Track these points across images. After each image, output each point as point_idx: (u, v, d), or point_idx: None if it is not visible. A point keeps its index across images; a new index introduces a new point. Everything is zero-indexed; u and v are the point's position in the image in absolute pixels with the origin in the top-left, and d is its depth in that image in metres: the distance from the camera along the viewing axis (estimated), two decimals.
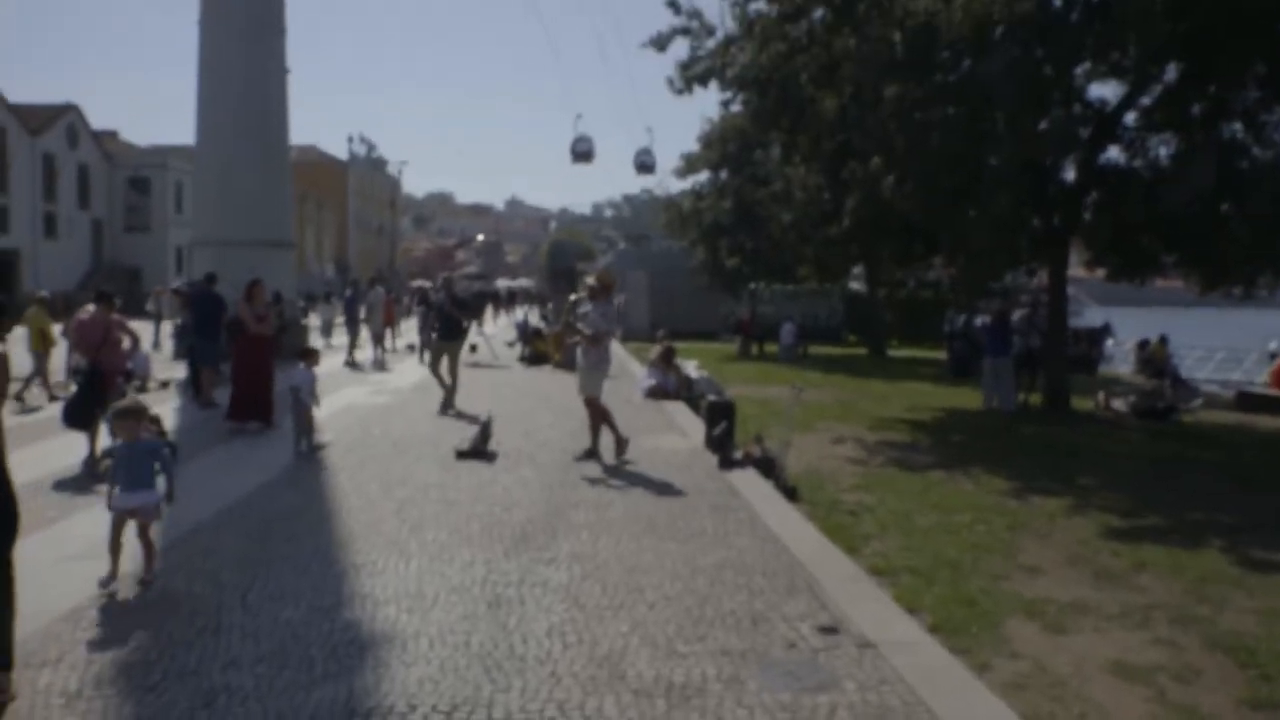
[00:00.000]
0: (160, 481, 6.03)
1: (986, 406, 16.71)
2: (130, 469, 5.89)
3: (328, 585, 5.91)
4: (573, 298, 13.79)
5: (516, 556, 6.55)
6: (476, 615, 5.39)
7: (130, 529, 5.92)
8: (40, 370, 14.82)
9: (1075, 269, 18.62)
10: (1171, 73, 14.33)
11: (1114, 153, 15.66)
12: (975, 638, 5.56)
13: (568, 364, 20.32)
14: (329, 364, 19.04)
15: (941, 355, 29.02)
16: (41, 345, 14.80)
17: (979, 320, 27.71)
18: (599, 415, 10.31)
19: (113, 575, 5.78)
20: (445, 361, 14.20)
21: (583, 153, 31.31)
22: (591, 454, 10.21)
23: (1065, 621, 5.90)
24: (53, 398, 14.29)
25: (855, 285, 40.41)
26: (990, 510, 8.90)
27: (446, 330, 14.45)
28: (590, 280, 10.85)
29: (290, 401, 10.63)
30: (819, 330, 39.21)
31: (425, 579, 6.04)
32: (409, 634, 5.09)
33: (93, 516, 7.62)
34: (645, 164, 42.06)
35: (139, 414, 6.19)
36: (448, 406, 13.76)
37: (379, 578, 6.07)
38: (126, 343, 10.24)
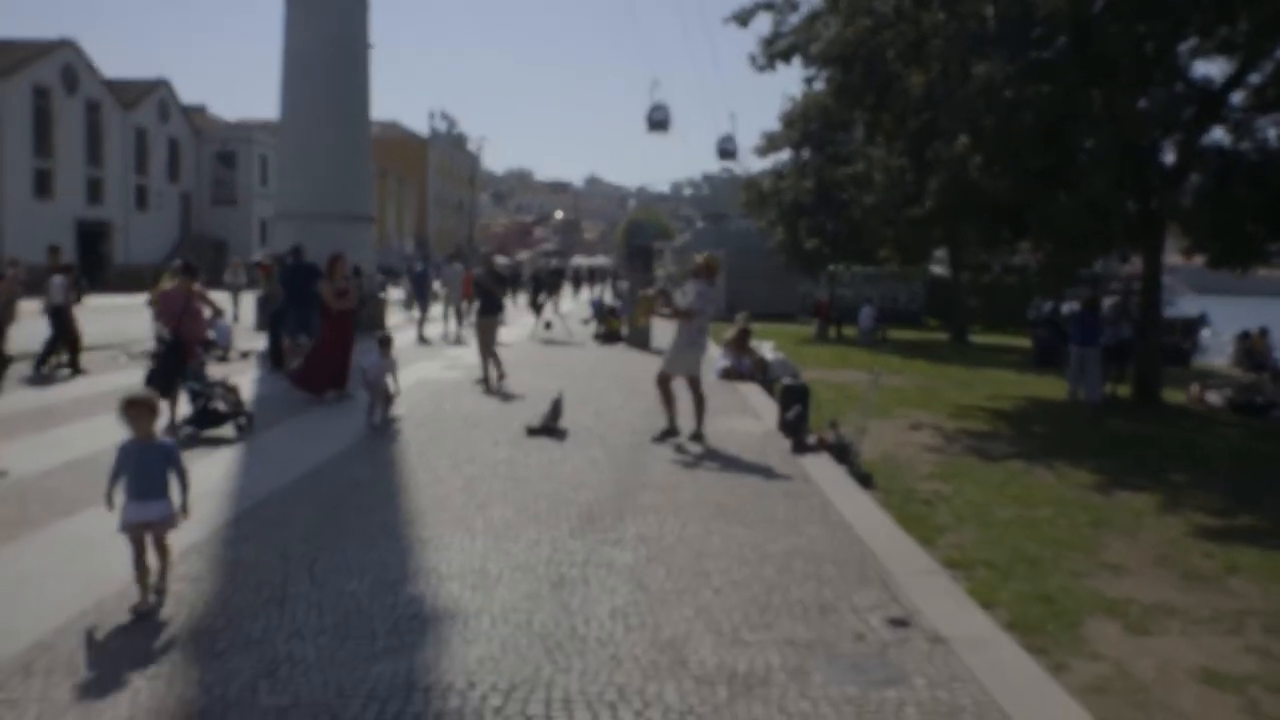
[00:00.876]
0: (175, 489, 5.19)
1: (1072, 397, 16.23)
2: (141, 474, 5.06)
3: (393, 559, 5.96)
4: (660, 274, 13.74)
5: (582, 536, 6.53)
6: (540, 595, 5.38)
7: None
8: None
9: (1172, 255, 17.93)
10: None
11: (1218, 134, 15.02)
12: (1053, 637, 5.38)
13: (638, 341, 20.39)
14: (402, 338, 19.36)
15: (1026, 343, 28.36)
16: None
17: (1066, 307, 27.03)
18: (665, 392, 10.20)
19: (144, 601, 5.05)
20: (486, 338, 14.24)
21: (659, 121, 31.01)
22: (669, 434, 10.12)
23: (1150, 624, 5.68)
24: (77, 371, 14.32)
25: (937, 269, 39.67)
26: (1073, 505, 8.63)
27: (486, 306, 14.50)
28: (698, 258, 10.75)
29: (364, 376, 10.78)
30: (899, 314, 38.61)
31: (490, 556, 6.05)
32: (471, 611, 5.10)
33: None
34: (727, 150, 42.03)
35: (151, 407, 5.21)
36: (488, 383, 13.77)
37: (444, 553, 6.10)
38: (206, 313, 10.47)
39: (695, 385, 10.21)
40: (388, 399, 10.76)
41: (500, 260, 52.74)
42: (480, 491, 7.74)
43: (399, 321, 25.00)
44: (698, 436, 10.08)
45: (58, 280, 14.66)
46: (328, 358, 12.24)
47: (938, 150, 15.08)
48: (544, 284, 24.63)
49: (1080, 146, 13.68)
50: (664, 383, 10.28)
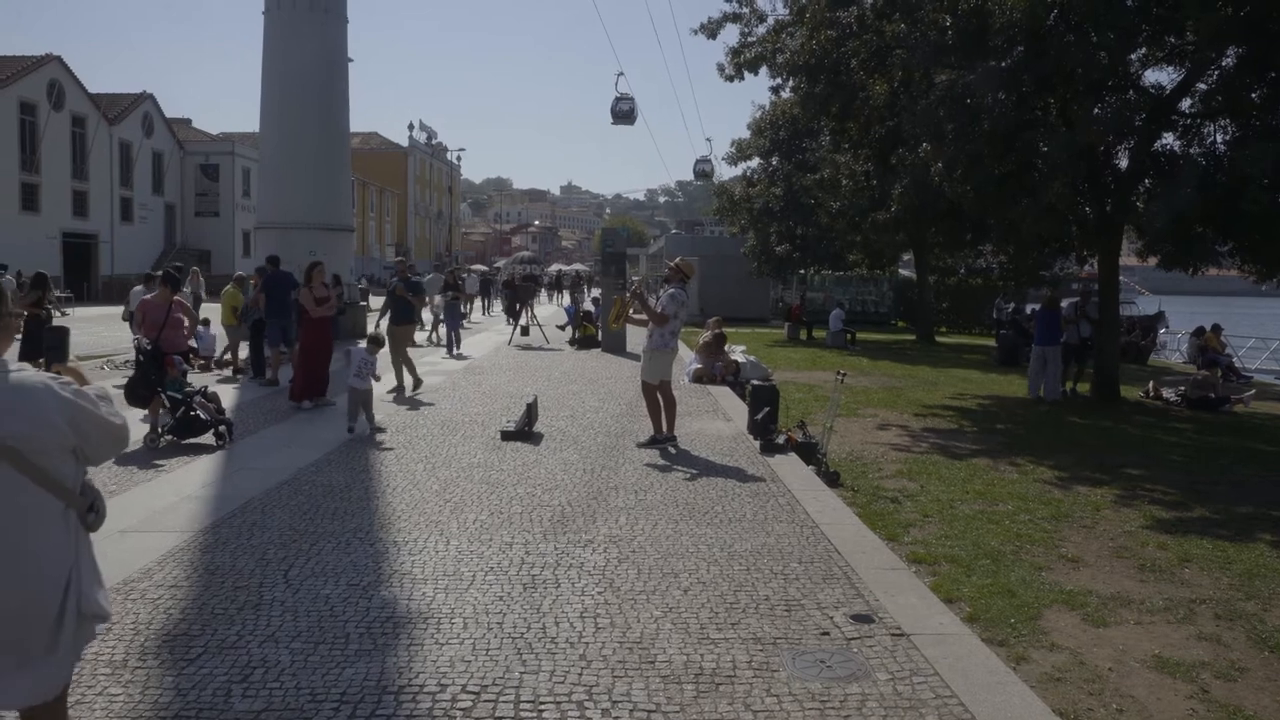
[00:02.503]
0: None
1: (1033, 395, 16.33)
2: None
3: (368, 563, 5.90)
4: (634, 279, 13.58)
5: (555, 538, 6.49)
6: (511, 596, 5.34)
7: None
8: (233, 345, 16.35)
9: (1128, 257, 18.07)
10: (1230, 58, 13.80)
11: (1169, 139, 15.14)
12: (1013, 629, 5.39)
13: (614, 346, 20.37)
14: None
15: (990, 343, 28.53)
16: (234, 321, 15.92)
17: (1028, 308, 27.20)
18: (651, 401, 10.17)
19: None
20: (401, 348, 13.98)
21: (624, 112, 30.17)
22: (660, 440, 10.02)
23: (1106, 614, 5.69)
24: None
25: (905, 272, 39.92)
26: (1034, 499, 8.66)
27: (400, 314, 14.20)
28: (671, 263, 10.71)
29: (347, 382, 10.72)
30: (868, 317, 38.82)
31: (463, 559, 6.01)
32: (444, 613, 5.05)
33: (150, 491, 7.76)
34: (704, 172, 42.44)
35: None
36: (402, 391, 13.49)
37: (418, 557, 6.05)
38: (187, 324, 10.35)
39: (665, 388, 10.18)
40: (369, 406, 10.67)
41: (478, 268, 52.69)
42: (455, 495, 7.70)
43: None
44: (668, 439, 10.06)
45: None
46: (306, 365, 12.14)
47: (901, 157, 15.15)
48: (519, 291, 24.53)
49: (1038, 152, 13.75)
50: (650, 391, 10.20)
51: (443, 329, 22.72)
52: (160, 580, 5.53)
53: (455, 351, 19.78)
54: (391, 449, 9.61)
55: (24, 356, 14.72)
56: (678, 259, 10.77)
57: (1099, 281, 17.20)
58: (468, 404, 12.87)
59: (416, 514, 7.10)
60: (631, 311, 11.02)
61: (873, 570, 5.91)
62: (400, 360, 13.79)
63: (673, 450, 9.78)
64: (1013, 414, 14.72)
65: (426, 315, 22.84)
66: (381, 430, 10.57)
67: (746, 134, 34.78)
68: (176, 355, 9.91)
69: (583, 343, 22.33)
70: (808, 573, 5.86)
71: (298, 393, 12.17)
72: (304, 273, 12.45)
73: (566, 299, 35.50)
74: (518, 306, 24.03)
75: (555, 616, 5.04)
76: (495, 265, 54.16)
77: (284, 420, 11.39)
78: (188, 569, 5.78)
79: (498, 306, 34.46)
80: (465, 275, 32.32)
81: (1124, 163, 15.38)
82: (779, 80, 17.33)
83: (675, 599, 5.35)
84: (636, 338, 11.07)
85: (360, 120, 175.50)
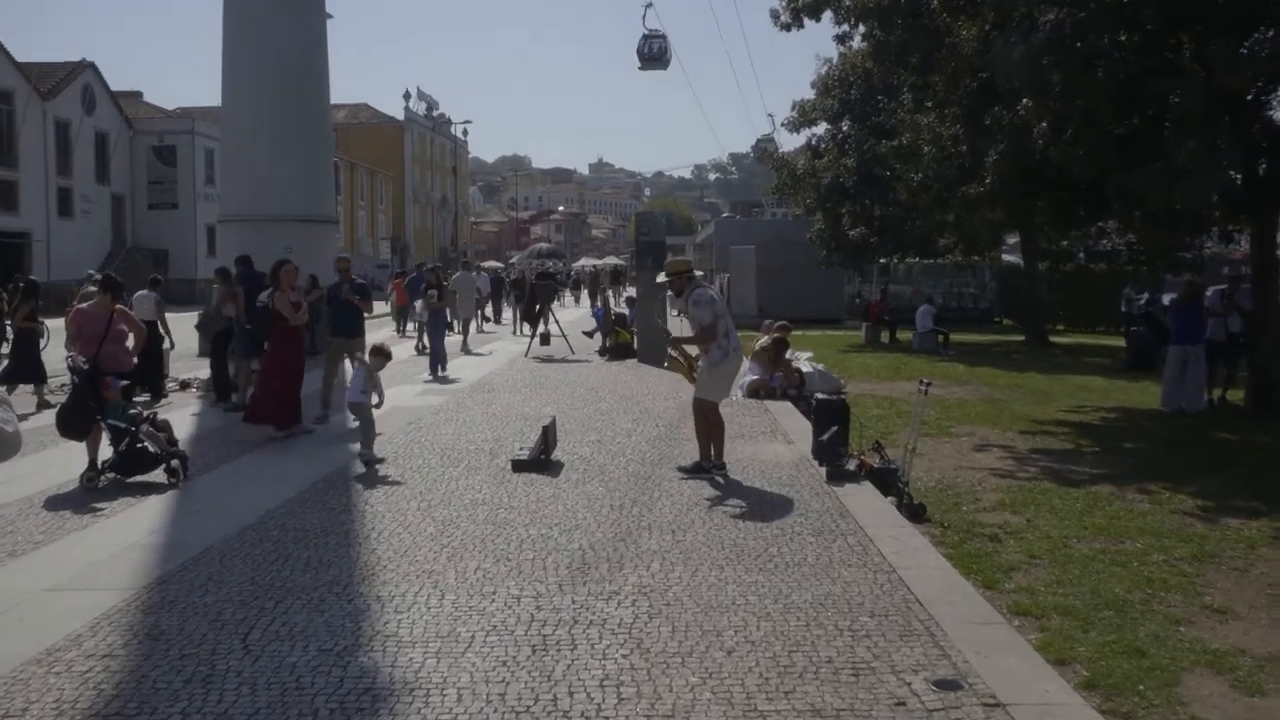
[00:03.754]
0: None
1: (1170, 406, 16.05)
2: None
3: (344, 623, 5.91)
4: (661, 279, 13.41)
5: (573, 590, 6.48)
6: (518, 661, 5.32)
7: None
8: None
9: None
10: None
11: None
12: (1143, 698, 5.27)
13: (652, 355, 20.35)
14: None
15: (1117, 343, 28.15)
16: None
17: (1165, 298, 26.84)
18: (701, 421, 10.11)
19: None
20: (341, 364, 13.96)
21: (654, 54, 28.73)
22: (709, 467, 9.97)
23: (1263, 680, 5.55)
24: (43, 404, 14.79)
25: (1010, 258, 39.57)
26: (1170, 536, 8.50)
27: (341, 324, 13.97)
28: (661, 277, 10.66)
29: (347, 399, 10.90)
30: (966, 314, 38.59)
31: (460, 617, 6.00)
32: (434, 684, 5.04)
33: (85, 540, 7.86)
34: (767, 150, 42.31)
35: None
36: (328, 419, 13.44)
37: (406, 614, 6.05)
38: (131, 339, 10.47)
39: (698, 408, 10.17)
40: (370, 425, 10.76)
41: (492, 264, 53.06)
42: (454, 539, 7.71)
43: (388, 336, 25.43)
44: (717, 467, 10.03)
45: None
46: (274, 384, 12.25)
47: (997, 116, 14.99)
48: (536, 291, 24.64)
49: (1168, 105, 13.54)
50: (703, 410, 10.11)
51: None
52: (92, 649, 5.57)
53: (440, 373, 18.83)
54: (379, 483, 9.66)
55: (11, 378, 15.13)
56: (667, 264, 10.84)
57: (1251, 263, 16.89)
58: (473, 429, 12.92)
59: (406, 562, 7.11)
60: (695, 356, 10.82)
61: (963, 625, 5.82)
62: (330, 379, 13.76)
63: (720, 480, 9.74)
64: (1145, 429, 14.49)
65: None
66: (378, 460, 10.61)
67: (810, 94, 34.70)
68: (113, 376, 9.99)
69: (614, 352, 22.40)
70: (881, 628, 5.79)
71: (259, 414, 12.28)
72: (270, 274, 12.57)
73: (597, 298, 35.67)
74: (536, 309, 24.14)
75: (570, 685, 5.01)
76: (510, 260, 54.50)
77: (250, 452, 11.50)
78: (126, 634, 5.81)
79: (508, 312, 34.63)
80: (477, 272, 32.58)
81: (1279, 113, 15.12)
82: (845, 27, 17.28)
83: (717, 662, 5.29)
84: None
85: (346, 89, 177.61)
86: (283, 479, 9.96)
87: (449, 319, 26.74)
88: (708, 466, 9.99)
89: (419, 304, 24.68)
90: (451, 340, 22.16)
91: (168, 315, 17.18)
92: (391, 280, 34.81)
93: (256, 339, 13.98)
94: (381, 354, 11.18)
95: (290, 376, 12.40)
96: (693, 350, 10.58)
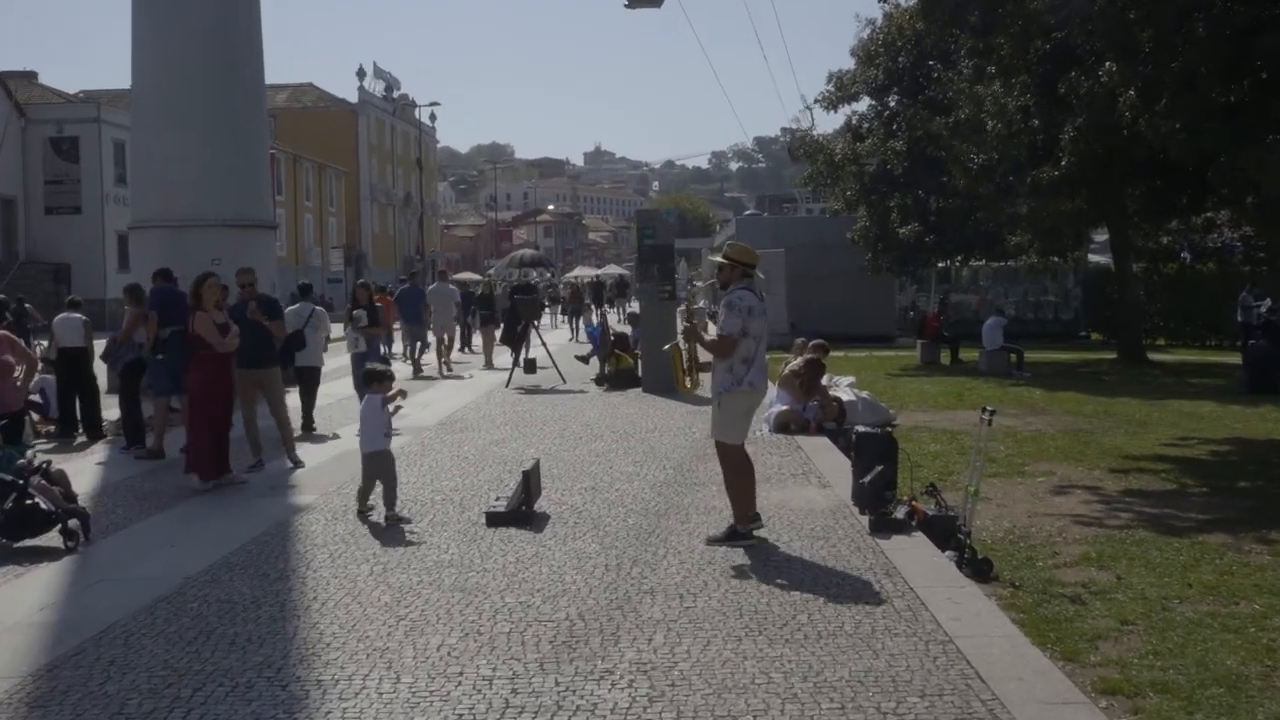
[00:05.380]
0: None
1: None
2: None
3: (275, 715, 5.91)
4: (695, 284, 13.18)
5: (557, 669, 6.48)
6: None
7: None
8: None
9: None
10: None
11: None
12: None
13: (660, 384, 20.34)
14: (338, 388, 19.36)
15: (1232, 359, 28.08)
16: None
17: None
18: (731, 470, 9.76)
19: None
20: (258, 399, 13.90)
21: None
22: (746, 533, 9.56)
23: None
24: None
25: (1099, 259, 39.61)
26: None
27: (255, 352, 13.66)
28: (717, 258, 10.32)
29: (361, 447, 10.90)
30: (1045, 327, 38.56)
31: (419, 704, 6.01)
32: None
33: None
34: (797, 133, 42.13)
35: None
36: (258, 466, 13.41)
37: (352, 702, 6.05)
38: (18, 371, 10.51)
39: (722, 451, 9.89)
40: (390, 475, 10.79)
41: (462, 276, 53.03)
42: (413, 609, 7.71)
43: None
44: (752, 528, 9.70)
45: None
46: (205, 424, 12.28)
47: (1073, 84, 15.02)
48: (518, 308, 24.67)
49: None
50: (730, 456, 9.79)
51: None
52: None
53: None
54: (325, 544, 9.66)
55: None
56: (724, 245, 10.51)
57: None
58: (440, 475, 12.92)
59: (355, 639, 7.11)
60: (701, 356, 10.69)
61: (1035, 706, 5.81)
62: (250, 423, 13.67)
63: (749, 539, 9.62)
64: (1266, 465, 14.47)
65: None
66: (405, 521, 10.56)
67: (849, 64, 34.78)
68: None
69: (614, 380, 22.38)
70: (933, 711, 5.79)
71: (200, 465, 12.31)
72: (191, 291, 12.60)
73: (593, 315, 35.69)
74: (518, 329, 24.17)
75: None
76: (488, 270, 54.74)
77: (168, 508, 11.52)
78: None
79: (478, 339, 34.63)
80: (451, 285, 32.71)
81: None
82: None
83: None
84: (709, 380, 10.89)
85: (286, 66, 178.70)
86: (206, 540, 9.95)
87: (414, 341, 27.08)
88: (744, 531, 9.54)
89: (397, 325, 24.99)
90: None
91: None
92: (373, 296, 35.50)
93: (174, 371, 13.95)
94: (385, 379, 11.19)
95: (221, 413, 12.41)
96: (703, 355, 10.42)
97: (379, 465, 10.74)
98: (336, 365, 22.47)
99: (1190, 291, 36.68)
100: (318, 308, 17.62)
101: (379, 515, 10.63)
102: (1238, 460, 14.92)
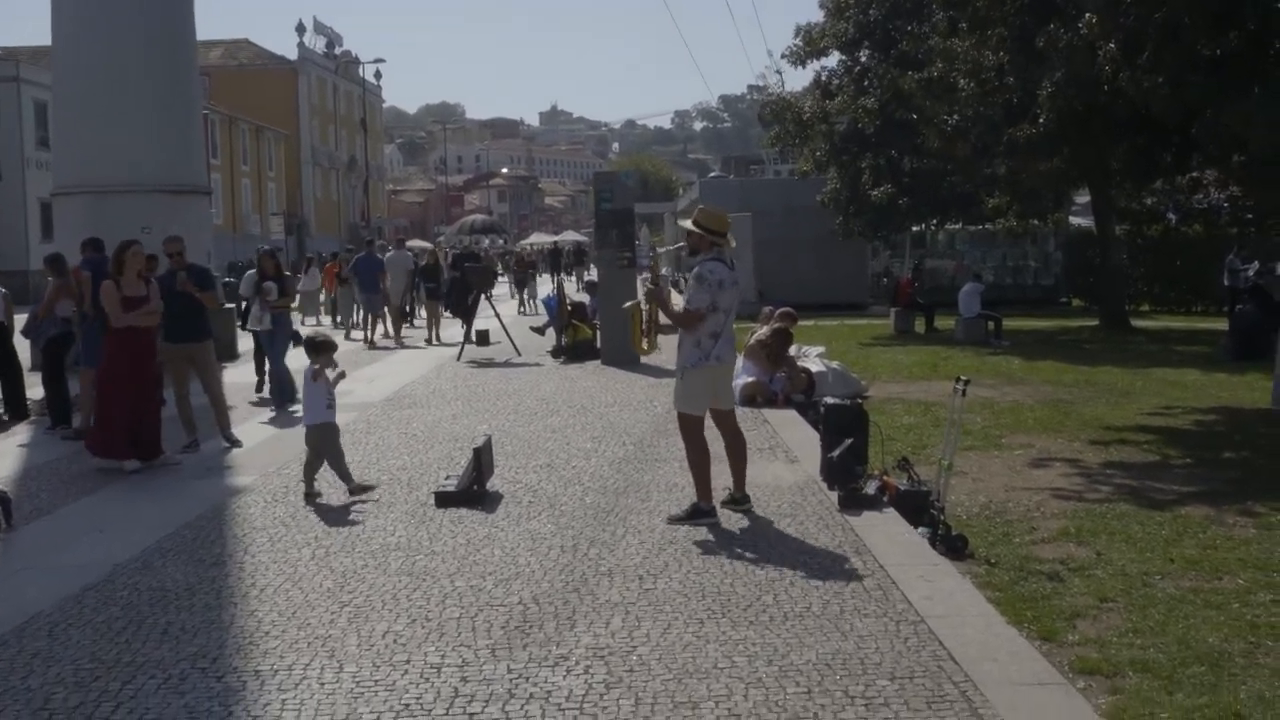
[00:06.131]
0: None
1: None
2: None
3: (210, 707, 5.89)
4: (660, 250, 12.97)
5: (509, 655, 6.48)
6: None
7: None
8: None
9: None
10: None
11: None
12: None
13: (620, 356, 20.36)
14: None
15: (1218, 325, 28.29)
16: None
17: None
18: (692, 445, 9.80)
19: None
20: (190, 375, 13.77)
21: None
22: (703, 513, 9.63)
23: None
24: None
25: (1080, 222, 39.80)
26: None
27: (178, 326, 13.42)
28: (686, 223, 10.25)
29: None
30: (1024, 293, 38.77)
31: (363, 694, 6.00)
32: None
33: None
34: (765, 89, 42.47)
35: None
36: (196, 446, 13.36)
37: (292, 694, 6.04)
38: None
39: (729, 419, 10.03)
40: (336, 450, 10.82)
41: (418, 244, 52.89)
42: (357, 595, 7.69)
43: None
44: (737, 500, 9.90)
45: None
46: (113, 403, 12.21)
47: (1052, 36, 15.05)
48: (469, 277, 24.59)
49: (1275, 16, 13.64)
50: (691, 429, 9.86)
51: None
52: None
53: (289, 407, 16.26)
54: (264, 526, 9.63)
55: None
56: (695, 211, 10.39)
57: None
58: (387, 454, 12.88)
59: (295, 626, 7.10)
60: (661, 319, 10.68)
61: (1010, 688, 5.86)
62: (183, 404, 13.57)
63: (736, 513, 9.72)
64: (1251, 435, 14.59)
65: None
66: (366, 489, 10.73)
67: (819, 16, 34.75)
68: None
69: (571, 352, 22.38)
70: (904, 695, 5.81)
71: (100, 444, 12.27)
72: (113, 259, 12.49)
73: (548, 284, 35.59)
74: (469, 300, 24.09)
75: None
76: (438, 237, 54.55)
77: (96, 491, 11.44)
78: None
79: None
80: (387, 251, 32.58)
81: None
82: None
83: None
84: (669, 346, 10.84)
85: (220, 20, 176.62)
86: (138, 525, 9.89)
87: (370, 311, 27.32)
88: (707, 509, 9.65)
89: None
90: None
91: None
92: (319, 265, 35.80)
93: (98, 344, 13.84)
94: (327, 348, 11.13)
95: (138, 392, 12.32)
96: (664, 318, 10.41)
97: (321, 438, 10.74)
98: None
99: (1175, 255, 36.91)
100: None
101: (338, 496, 10.67)
102: (1223, 430, 15.04)
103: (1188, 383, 19.50)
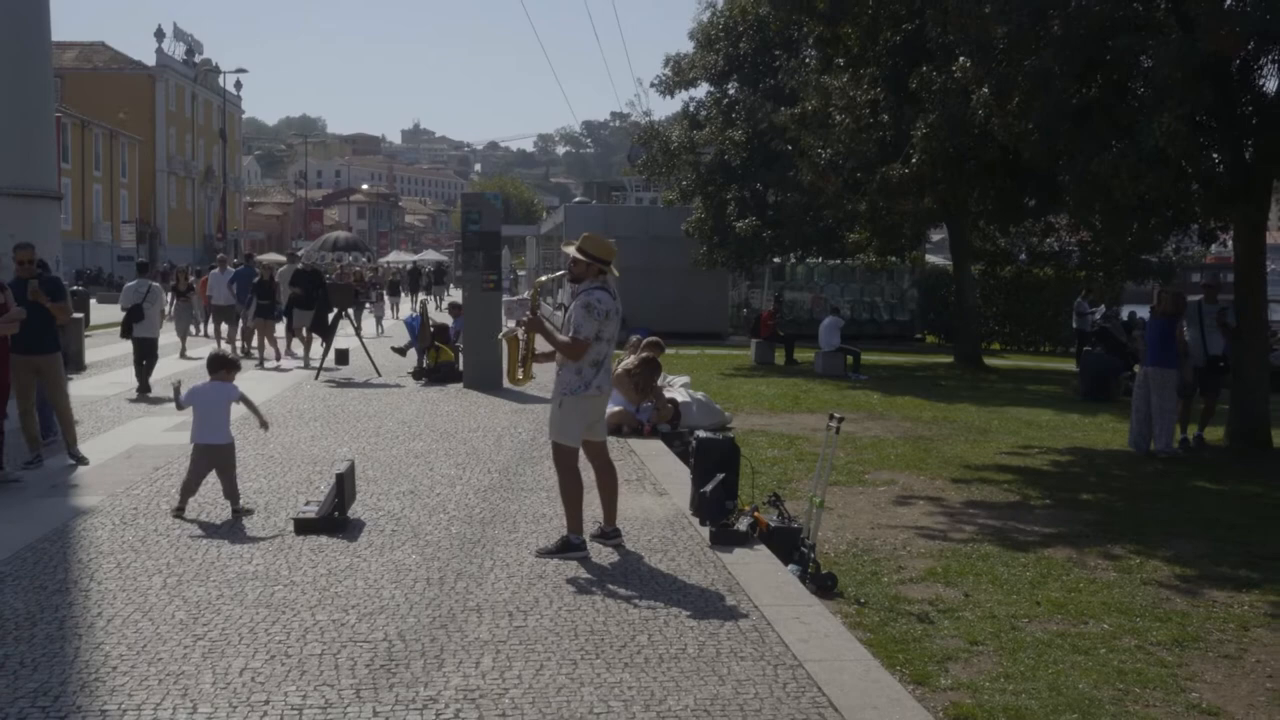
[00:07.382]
0: None
1: (1138, 446, 16.47)
2: None
3: None
4: (542, 280, 12.74)
5: (375, 696, 6.28)
6: None
7: None
8: None
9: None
10: None
11: None
12: None
13: (483, 379, 20.18)
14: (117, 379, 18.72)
15: (1065, 365, 28.93)
16: None
17: (1126, 311, 27.73)
18: (565, 476, 9.66)
19: None
20: (35, 387, 13.21)
21: None
22: (572, 547, 9.50)
23: None
24: None
25: (936, 260, 40.54)
26: (1144, 614, 8.65)
27: (34, 337, 12.83)
28: (570, 249, 10.07)
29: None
30: (881, 328, 39.40)
31: None
32: None
33: None
34: (632, 117, 42.76)
35: None
36: (36, 462, 12.83)
37: None
38: None
39: (601, 450, 9.90)
40: (230, 470, 10.70)
41: (271, 257, 52.02)
42: (211, 628, 7.42)
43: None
44: (608, 534, 9.77)
45: None
46: None
47: (926, 78, 15.20)
48: (335, 294, 24.18)
49: (1139, 69, 13.88)
50: (564, 460, 9.70)
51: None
52: None
53: (50, 442, 13.72)
54: (111, 552, 9.27)
55: None
56: (579, 239, 10.20)
57: (1235, 270, 17.43)
58: (243, 476, 12.38)
59: (145, 661, 6.80)
60: (537, 347, 10.39)
61: None
62: (33, 410, 13.04)
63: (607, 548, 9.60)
64: (1107, 476, 14.85)
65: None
66: (248, 513, 10.63)
67: (689, 48, 34.97)
68: None
69: (433, 375, 22.17)
70: None
71: None
72: None
73: (401, 307, 35.18)
74: (329, 318, 23.69)
75: None
76: (297, 252, 53.87)
77: None
78: None
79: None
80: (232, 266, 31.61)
81: (1273, 83, 15.69)
82: None
83: None
84: (545, 372, 10.60)
85: (75, 23, 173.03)
86: None
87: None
88: (578, 542, 9.50)
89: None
90: None
91: None
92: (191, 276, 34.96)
93: None
94: (232, 366, 11.11)
95: None
96: (544, 347, 10.15)
97: (220, 458, 10.64)
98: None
99: (1026, 296, 37.79)
100: (154, 284, 19.62)
101: (202, 517, 10.40)
102: (1079, 471, 15.30)
103: (1042, 422, 19.89)
